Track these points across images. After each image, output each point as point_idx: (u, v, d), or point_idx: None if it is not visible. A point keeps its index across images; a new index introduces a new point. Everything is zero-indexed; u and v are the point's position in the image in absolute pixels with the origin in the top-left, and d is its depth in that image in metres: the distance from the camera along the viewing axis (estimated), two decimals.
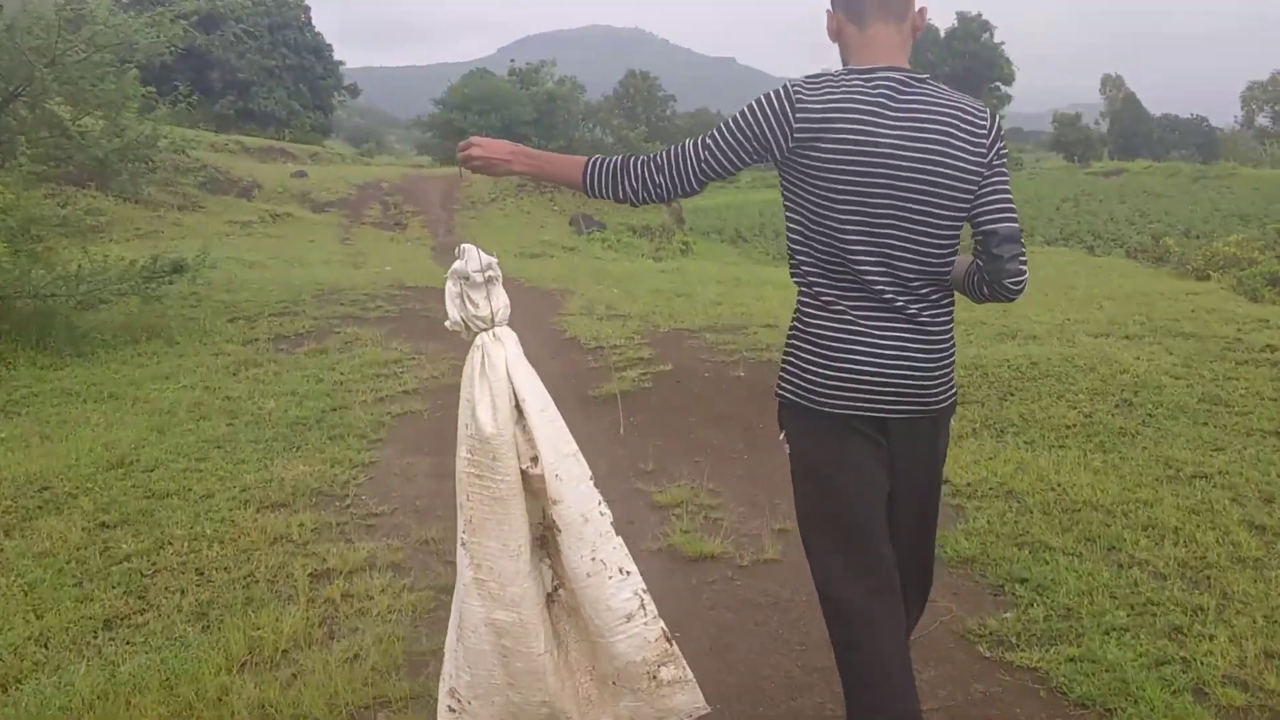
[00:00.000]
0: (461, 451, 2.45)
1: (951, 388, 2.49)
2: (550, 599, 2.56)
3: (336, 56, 64.63)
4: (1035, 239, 38.43)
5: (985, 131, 2.37)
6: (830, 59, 2.57)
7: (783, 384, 2.48)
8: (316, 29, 64.79)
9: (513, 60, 61.98)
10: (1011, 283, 2.38)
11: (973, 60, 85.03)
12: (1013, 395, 6.39)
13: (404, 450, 5.79)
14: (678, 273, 15.27)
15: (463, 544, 2.49)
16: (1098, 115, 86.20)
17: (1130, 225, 40.67)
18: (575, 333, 8.90)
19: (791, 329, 2.48)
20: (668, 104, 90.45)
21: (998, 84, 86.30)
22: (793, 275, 2.45)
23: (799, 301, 2.45)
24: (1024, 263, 2.38)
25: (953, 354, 2.47)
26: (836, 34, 2.45)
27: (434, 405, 6.56)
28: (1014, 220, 2.38)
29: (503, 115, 47.85)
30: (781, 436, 2.54)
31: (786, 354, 2.49)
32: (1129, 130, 78.76)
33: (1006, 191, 2.40)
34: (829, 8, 2.46)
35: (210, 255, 12.45)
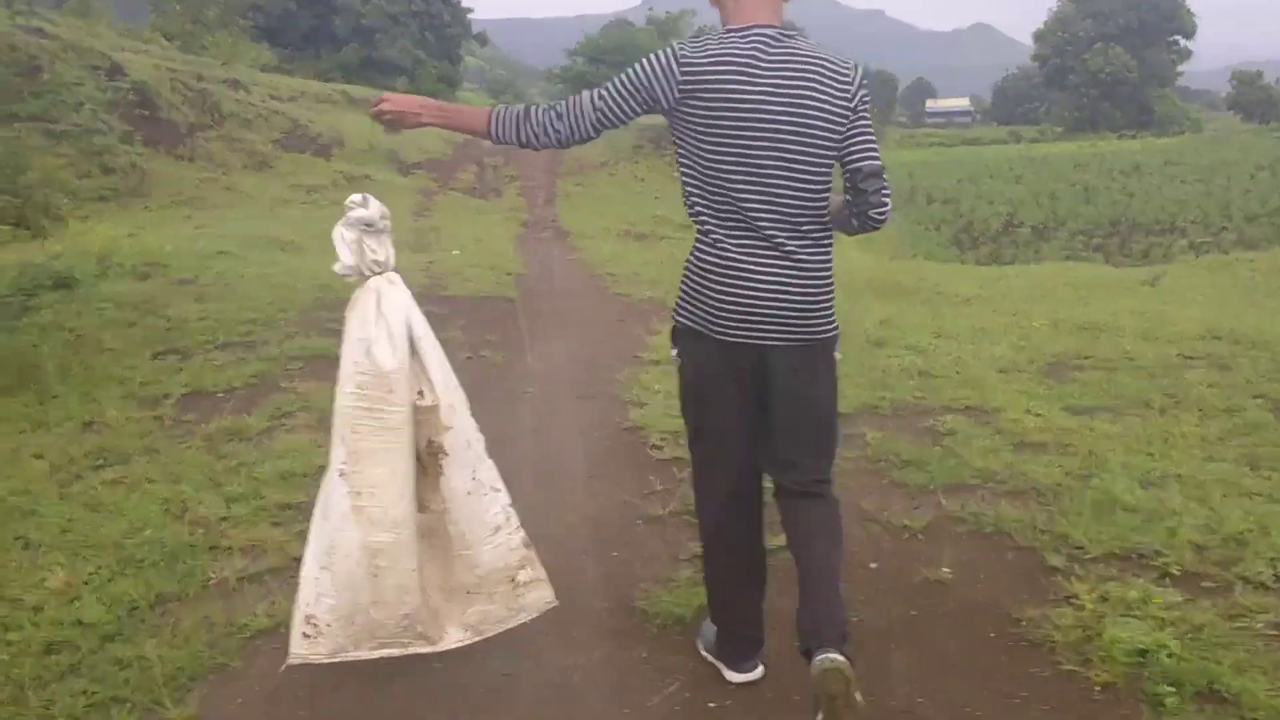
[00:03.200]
0: (348, 389, 2.68)
1: (829, 321, 2.74)
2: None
3: (466, 3, 61.91)
4: (1234, 216, 33.29)
5: (849, 80, 2.66)
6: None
7: (677, 309, 2.82)
8: None
9: (651, 8, 58.84)
10: (875, 213, 2.65)
11: (1150, 11, 78.23)
12: None
13: None
14: None
15: (341, 474, 2.71)
16: None
17: None
18: (647, 422, 5.49)
19: (686, 262, 2.78)
20: None
21: (1176, 37, 79.18)
22: (689, 213, 2.75)
23: (695, 238, 2.75)
24: (887, 195, 2.64)
25: (830, 290, 2.73)
26: None
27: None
28: (876, 158, 2.66)
29: None
30: (673, 353, 2.88)
31: (682, 284, 2.79)
32: None
33: (869, 134, 2.68)
34: None
35: (199, 246, 9.57)
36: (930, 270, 12.53)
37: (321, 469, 5.07)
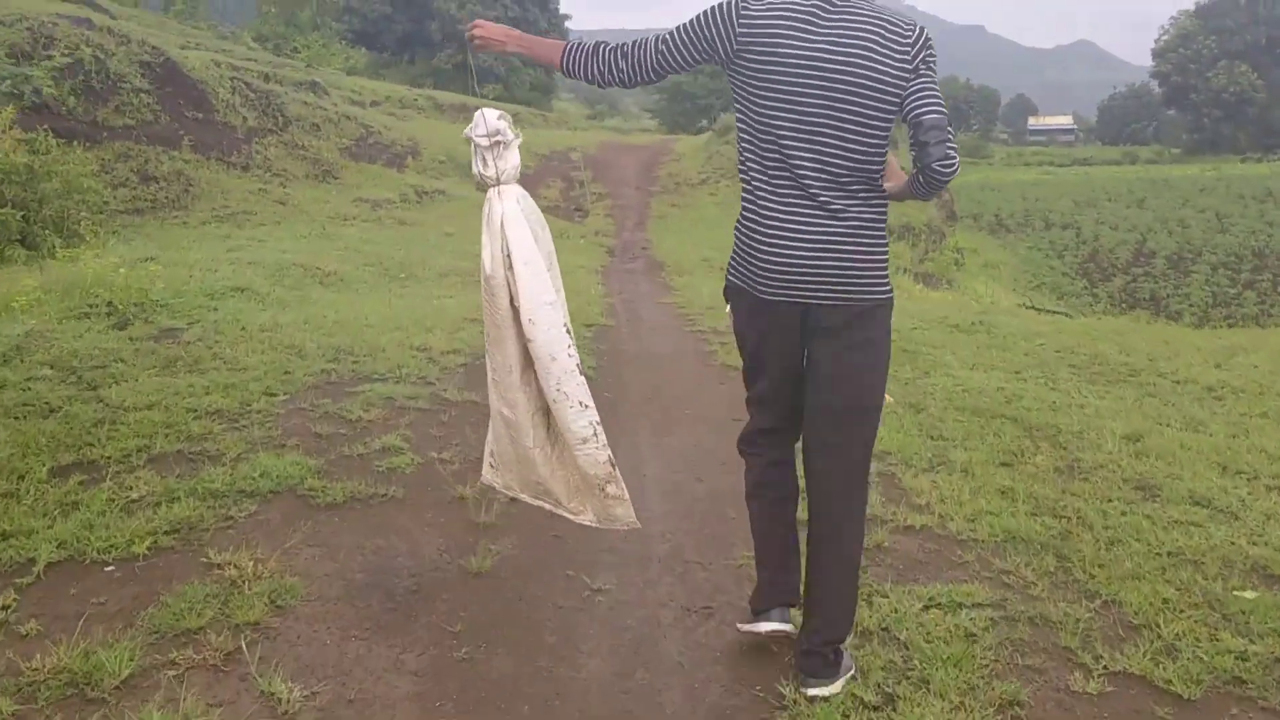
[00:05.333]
0: (481, 281, 3.09)
1: (881, 284, 2.74)
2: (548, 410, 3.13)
3: (564, 10, 60.29)
4: None
5: (910, 42, 2.65)
6: None
7: (729, 267, 2.92)
8: None
9: None
10: (939, 165, 2.59)
11: (1279, 27, 73.97)
12: None
13: None
14: (984, 330, 9.15)
15: (487, 350, 3.19)
16: None
17: None
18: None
19: (737, 222, 2.85)
20: None
21: None
22: (740, 171, 2.82)
23: (742, 197, 2.84)
24: (952, 148, 2.59)
25: (882, 253, 2.74)
26: None
27: None
28: (939, 111, 2.61)
29: None
30: (727, 309, 2.99)
31: (735, 242, 2.86)
32: None
33: (932, 89, 2.64)
34: None
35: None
36: (1127, 332, 9.89)
37: None
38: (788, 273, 2.69)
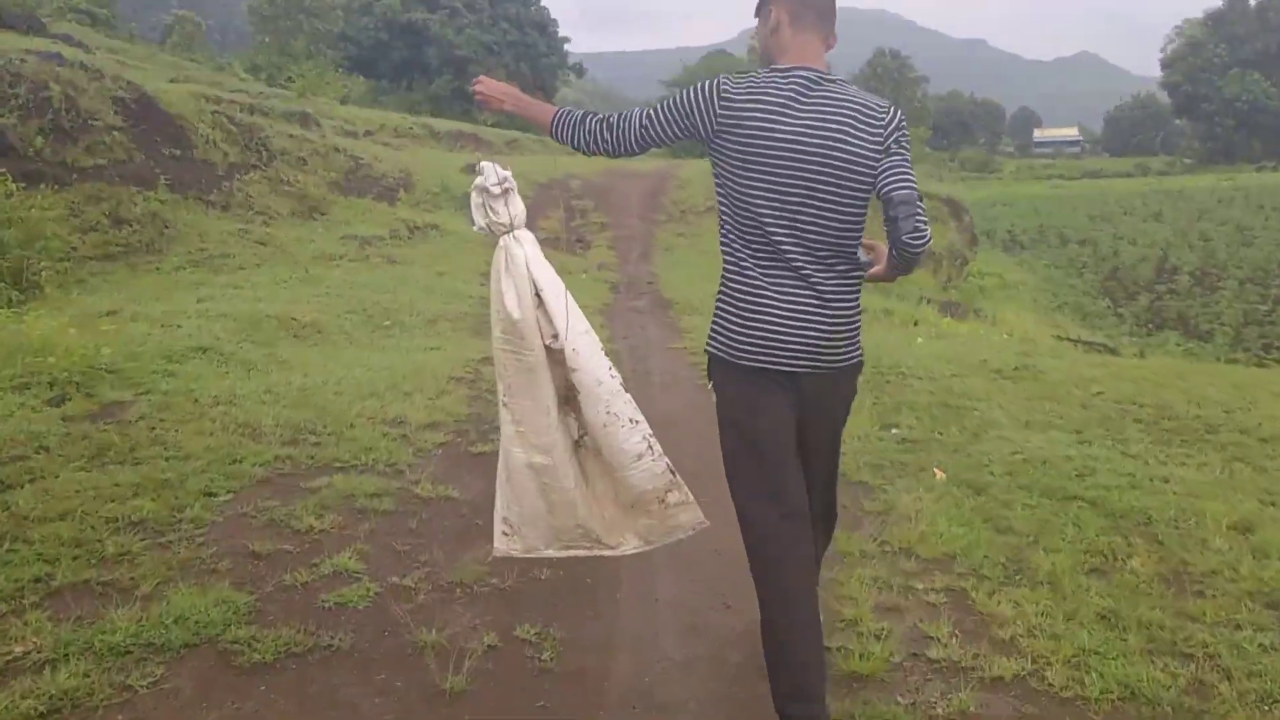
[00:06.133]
0: (496, 332, 3.09)
1: (855, 349, 2.91)
2: (577, 445, 3.18)
3: (563, 33, 59.64)
4: None
5: (883, 123, 2.75)
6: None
7: (710, 340, 2.96)
8: (542, 3, 60.23)
9: (751, 40, 56.26)
10: (909, 238, 2.67)
11: None
12: None
13: None
14: (1030, 377, 8.18)
15: (504, 405, 3.13)
16: None
17: None
18: None
19: (718, 293, 2.91)
20: (920, 86, 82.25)
21: None
22: (720, 243, 2.90)
23: (724, 268, 2.89)
24: (921, 221, 2.67)
25: (856, 320, 2.89)
26: (772, 30, 2.88)
27: None
28: (909, 187, 2.69)
29: None
30: (710, 386, 3.03)
31: (714, 314, 2.94)
32: None
33: (904, 167, 2.74)
34: (770, 3, 2.89)
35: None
36: (1189, 375, 8.91)
37: None
38: (772, 342, 2.78)
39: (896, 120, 2.76)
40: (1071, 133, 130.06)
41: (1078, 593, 3.97)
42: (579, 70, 64.11)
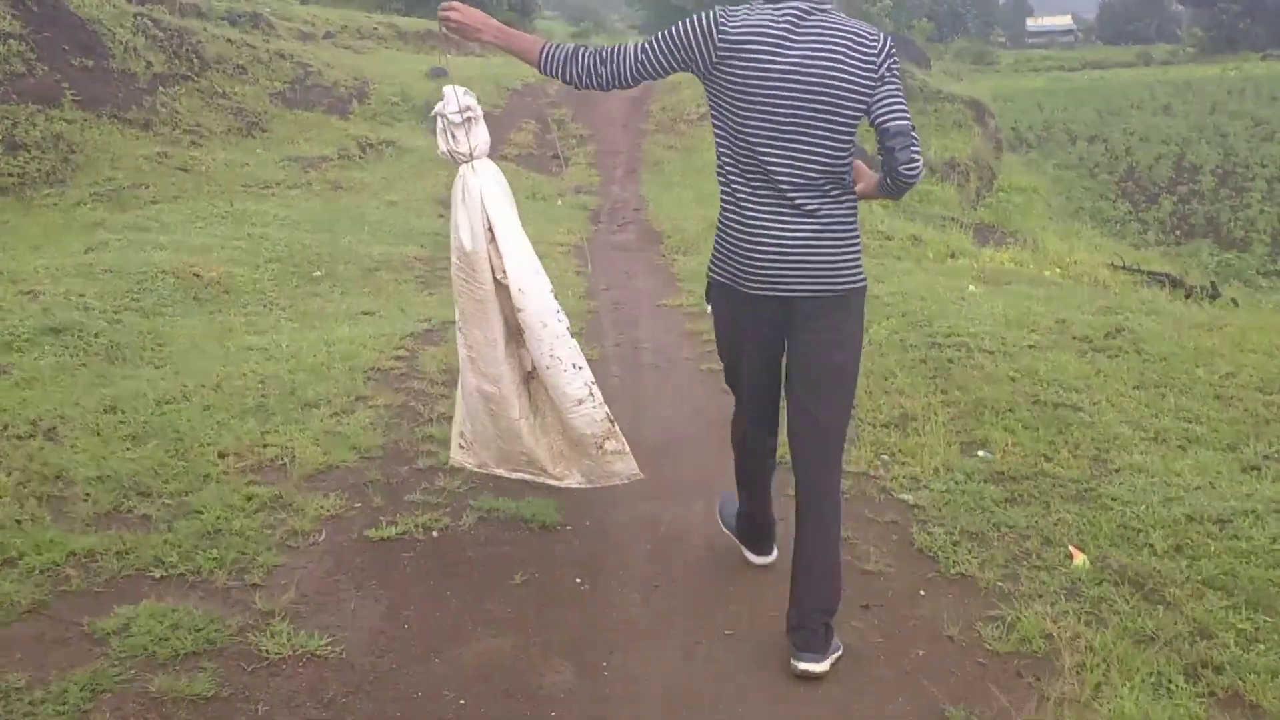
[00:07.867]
0: (454, 259, 3.20)
1: (855, 273, 2.91)
2: (529, 376, 3.30)
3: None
4: None
5: (875, 51, 2.77)
6: None
7: (711, 266, 3.06)
8: None
9: None
10: (904, 168, 2.75)
11: None
12: None
13: None
14: (1132, 349, 6.31)
15: (460, 329, 3.27)
16: None
17: None
18: None
19: (719, 222, 2.98)
20: None
21: None
22: (717, 175, 2.96)
23: (721, 197, 2.95)
24: (915, 152, 2.75)
25: (855, 245, 2.92)
26: None
27: None
28: (903, 118, 2.76)
29: None
30: (708, 309, 3.18)
31: (715, 241, 3.03)
32: None
33: (897, 96, 2.79)
34: None
35: None
36: None
37: None
38: (770, 268, 2.86)
39: (887, 48, 2.80)
40: (1066, 21, 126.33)
41: None
42: None
